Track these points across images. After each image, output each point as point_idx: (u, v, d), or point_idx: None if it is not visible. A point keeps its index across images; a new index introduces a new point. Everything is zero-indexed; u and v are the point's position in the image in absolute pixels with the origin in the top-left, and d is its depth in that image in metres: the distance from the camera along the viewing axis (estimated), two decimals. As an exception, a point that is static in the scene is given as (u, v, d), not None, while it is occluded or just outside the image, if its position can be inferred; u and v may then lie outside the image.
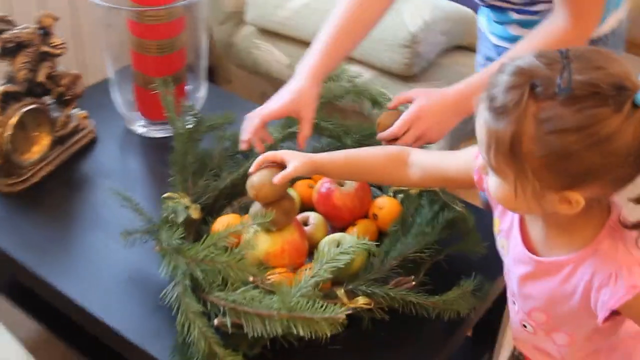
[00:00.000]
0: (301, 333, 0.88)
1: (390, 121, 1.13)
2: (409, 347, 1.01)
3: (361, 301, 0.99)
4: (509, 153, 0.72)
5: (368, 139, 1.26)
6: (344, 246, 0.95)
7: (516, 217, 0.89)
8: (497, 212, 0.93)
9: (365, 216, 1.19)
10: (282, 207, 1.04)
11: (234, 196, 1.18)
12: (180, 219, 1.06)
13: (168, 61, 1.35)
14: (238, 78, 2.17)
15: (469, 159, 0.93)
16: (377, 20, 1.19)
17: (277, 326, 0.89)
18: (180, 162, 1.16)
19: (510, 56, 0.87)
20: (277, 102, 1.13)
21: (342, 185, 1.17)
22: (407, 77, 1.76)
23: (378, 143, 1.17)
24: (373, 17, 1.19)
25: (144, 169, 1.38)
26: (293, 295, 0.89)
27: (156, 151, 1.37)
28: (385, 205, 1.18)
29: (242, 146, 1.12)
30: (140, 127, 1.43)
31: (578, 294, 0.81)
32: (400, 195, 1.21)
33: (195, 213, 1.10)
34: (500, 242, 0.94)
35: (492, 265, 1.09)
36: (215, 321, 0.94)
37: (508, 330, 1.15)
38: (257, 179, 1.02)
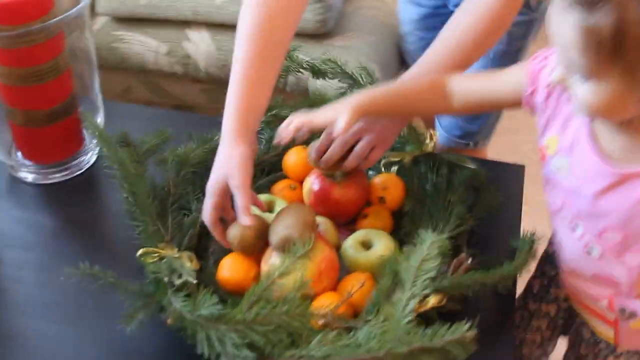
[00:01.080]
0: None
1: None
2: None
3: (432, 301, 0.84)
4: (611, 48, 0.66)
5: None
6: (419, 250, 0.78)
7: (583, 129, 0.81)
8: (550, 131, 0.86)
9: (367, 203, 1.03)
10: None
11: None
12: (182, 279, 0.83)
13: (53, 88, 1.07)
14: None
15: (519, 77, 0.88)
16: (294, 30, 1.00)
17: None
18: (142, 203, 0.91)
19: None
20: (210, 198, 0.91)
21: (333, 177, 1.00)
22: (322, 34, 1.59)
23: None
24: (291, 28, 1.00)
25: (55, 224, 1.08)
26: (400, 327, 0.71)
27: (59, 199, 1.11)
28: (388, 184, 1.03)
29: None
30: (29, 173, 1.14)
31: None
32: (394, 168, 1.06)
33: (194, 264, 0.87)
34: (557, 163, 0.86)
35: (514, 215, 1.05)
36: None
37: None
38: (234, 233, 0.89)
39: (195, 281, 0.83)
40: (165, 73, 1.65)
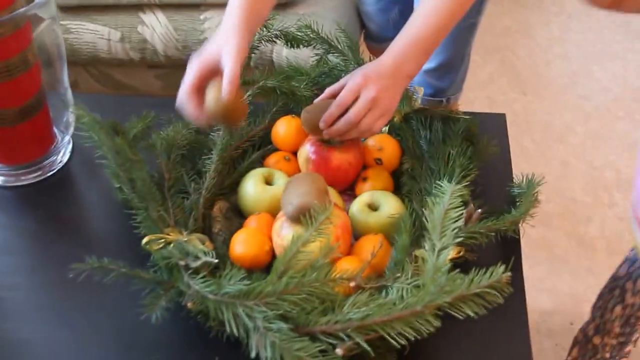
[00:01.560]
0: (471, 314, 0.70)
1: (320, 114, 0.95)
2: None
3: (452, 253, 0.83)
4: None
5: (326, 78, 1.07)
6: (441, 201, 0.78)
7: None
8: None
9: (363, 166, 1.02)
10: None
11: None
12: (199, 262, 0.81)
13: (23, 83, 1.02)
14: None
15: None
16: None
17: (431, 320, 0.71)
18: (142, 190, 0.88)
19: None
20: (195, 64, 0.92)
21: (328, 142, 0.99)
22: (285, 4, 1.56)
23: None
24: None
25: (36, 227, 1.03)
26: (435, 279, 0.71)
27: (36, 201, 1.06)
28: (383, 145, 1.03)
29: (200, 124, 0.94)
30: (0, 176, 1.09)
31: None
32: (385, 128, 1.06)
33: (207, 244, 0.85)
34: None
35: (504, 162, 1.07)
36: (339, 350, 0.73)
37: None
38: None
39: (216, 260, 0.81)
40: (120, 61, 1.60)
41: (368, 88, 0.94)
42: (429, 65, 1.57)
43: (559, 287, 1.76)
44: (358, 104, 0.94)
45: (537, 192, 0.97)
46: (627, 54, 2.58)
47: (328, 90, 0.98)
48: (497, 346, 0.83)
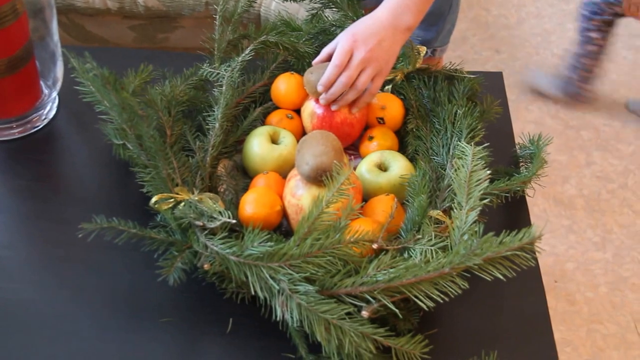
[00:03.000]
0: (499, 276, 0.72)
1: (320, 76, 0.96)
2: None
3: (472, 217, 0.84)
4: None
5: (327, 34, 1.07)
6: (464, 163, 0.78)
7: None
8: None
9: (366, 126, 1.02)
10: None
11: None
12: (217, 222, 0.80)
13: (13, 33, 0.98)
14: None
15: None
16: None
17: (458, 281, 0.72)
18: (152, 149, 0.87)
19: None
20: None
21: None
22: None
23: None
24: None
25: (25, 183, 0.99)
26: (465, 240, 0.72)
27: (23, 156, 1.03)
28: (386, 104, 1.03)
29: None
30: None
31: None
32: (388, 87, 1.06)
33: (220, 204, 0.84)
34: None
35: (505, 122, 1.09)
36: (365, 313, 0.74)
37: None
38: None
39: (234, 221, 0.80)
40: (96, 10, 1.55)
41: (359, 49, 0.94)
42: None
43: (540, 247, 1.80)
44: (350, 66, 0.93)
45: (545, 152, 0.98)
46: (600, 13, 2.61)
47: (324, 51, 0.97)
48: (514, 307, 0.84)
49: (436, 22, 1.57)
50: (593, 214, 1.83)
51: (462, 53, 2.41)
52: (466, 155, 0.79)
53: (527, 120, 2.19)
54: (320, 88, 0.95)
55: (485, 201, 0.77)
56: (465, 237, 0.73)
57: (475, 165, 0.77)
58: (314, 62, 0.99)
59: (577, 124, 2.17)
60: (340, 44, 0.94)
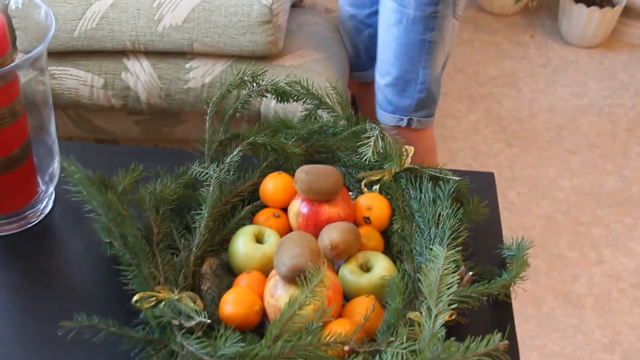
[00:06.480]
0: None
1: (316, 177, 1.03)
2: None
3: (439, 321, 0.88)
4: None
5: (317, 134, 1.13)
6: (435, 266, 0.83)
7: None
8: None
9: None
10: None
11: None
12: (193, 322, 0.85)
13: (11, 134, 1.06)
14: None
15: None
16: None
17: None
18: (133, 246, 0.92)
19: None
20: None
21: (318, 198, 1.04)
22: (272, 56, 1.62)
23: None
24: None
25: (18, 280, 1.05)
26: (431, 345, 0.76)
27: (17, 253, 1.09)
28: (373, 203, 1.08)
29: None
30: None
31: None
32: (375, 187, 1.11)
33: (198, 303, 0.89)
34: None
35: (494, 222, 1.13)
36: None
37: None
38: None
39: (209, 321, 0.85)
40: (101, 107, 1.64)
41: None
42: (385, 79, 1.71)
43: (548, 346, 1.81)
44: None
45: (527, 254, 1.02)
46: (614, 109, 2.68)
47: None
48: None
49: (406, 89, 1.67)
50: (602, 314, 1.84)
51: (473, 144, 2.48)
52: (437, 259, 0.83)
53: (537, 215, 2.23)
54: None
55: (453, 306, 0.81)
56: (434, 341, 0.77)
57: (446, 269, 0.82)
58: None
59: (588, 220, 2.21)
60: None
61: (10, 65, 0.99)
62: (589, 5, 2.86)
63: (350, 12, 1.86)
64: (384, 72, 1.72)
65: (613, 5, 2.89)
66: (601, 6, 2.86)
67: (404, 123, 1.74)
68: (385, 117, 1.76)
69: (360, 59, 1.92)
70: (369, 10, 1.82)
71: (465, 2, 1.70)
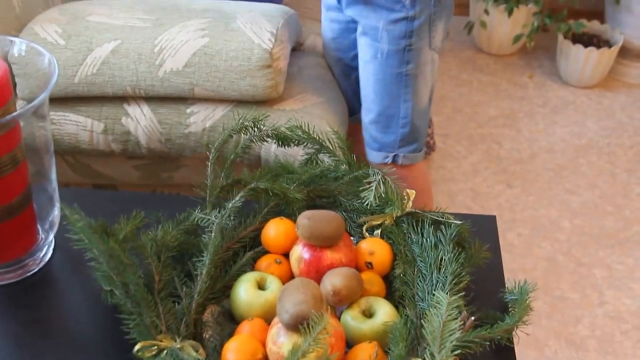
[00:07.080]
0: None
1: (319, 222, 1.04)
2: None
3: (447, 363, 0.89)
4: None
5: (319, 179, 1.14)
6: (438, 312, 0.83)
7: None
8: None
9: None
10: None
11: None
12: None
13: (12, 181, 1.07)
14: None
15: None
16: None
17: None
18: (135, 295, 0.93)
19: None
20: None
21: (320, 244, 1.04)
22: (272, 100, 1.64)
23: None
24: None
25: (17, 329, 1.05)
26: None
27: (17, 302, 1.09)
28: (375, 249, 1.08)
29: None
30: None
31: None
32: (377, 232, 1.12)
33: (200, 352, 0.89)
34: None
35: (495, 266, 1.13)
36: None
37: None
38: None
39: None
40: (101, 152, 1.66)
41: None
42: (369, 116, 1.73)
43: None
44: None
45: (529, 298, 1.03)
46: (613, 149, 2.70)
47: None
48: None
49: (389, 125, 1.68)
50: (606, 356, 1.84)
51: (473, 186, 2.49)
52: (440, 305, 0.84)
53: (538, 257, 2.23)
54: None
55: (456, 352, 0.81)
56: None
57: (449, 315, 0.82)
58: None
59: (590, 261, 2.21)
60: None
61: (13, 114, 1.00)
62: (586, 45, 2.90)
63: (336, 56, 1.88)
64: (367, 110, 1.74)
65: (610, 46, 2.92)
66: (598, 47, 2.90)
67: (389, 160, 1.75)
68: (372, 155, 1.77)
69: (350, 102, 1.93)
70: (352, 53, 1.82)
71: (443, 34, 1.70)
